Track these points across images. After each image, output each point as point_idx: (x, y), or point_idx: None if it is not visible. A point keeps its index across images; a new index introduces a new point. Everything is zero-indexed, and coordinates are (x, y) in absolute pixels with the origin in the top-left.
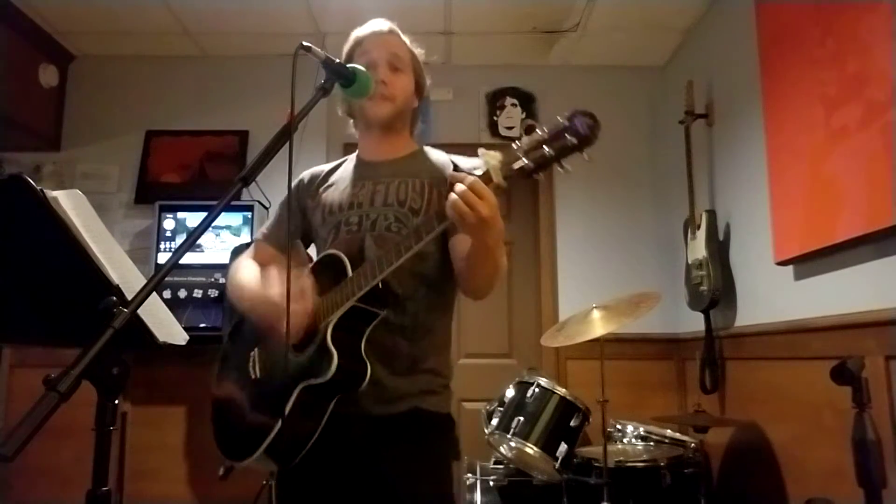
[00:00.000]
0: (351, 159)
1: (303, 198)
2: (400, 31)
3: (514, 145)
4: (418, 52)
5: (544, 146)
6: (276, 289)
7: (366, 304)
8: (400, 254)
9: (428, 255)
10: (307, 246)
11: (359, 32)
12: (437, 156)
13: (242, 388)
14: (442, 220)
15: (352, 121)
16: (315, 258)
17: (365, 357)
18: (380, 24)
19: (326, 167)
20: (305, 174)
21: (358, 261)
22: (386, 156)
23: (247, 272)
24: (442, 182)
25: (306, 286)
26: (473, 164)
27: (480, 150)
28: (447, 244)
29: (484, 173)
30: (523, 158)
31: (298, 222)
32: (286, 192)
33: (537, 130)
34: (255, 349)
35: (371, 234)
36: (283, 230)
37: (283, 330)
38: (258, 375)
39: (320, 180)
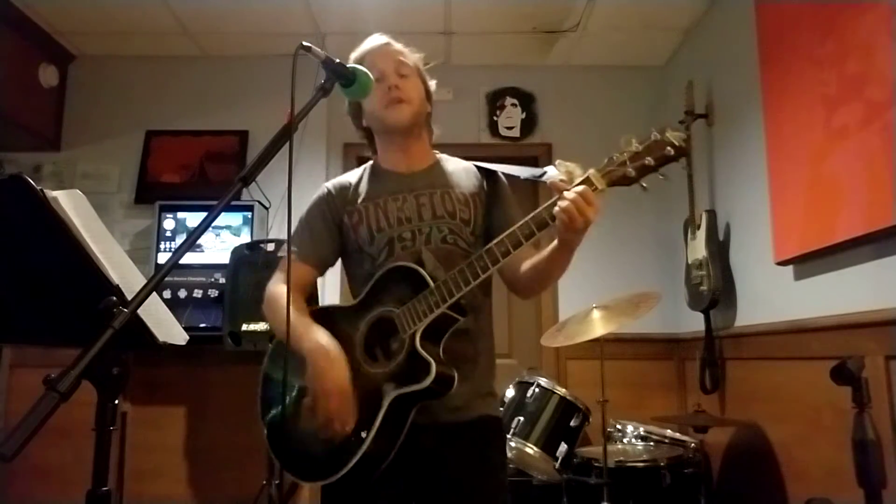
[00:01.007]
0: (371, 170)
1: (336, 214)
2: (394, 42)
3: (613, 156)
4: (418, 57)
5: (646, 157)
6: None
7: (451, 311)
8: (497, 258)
9: None
10: (336, 259)
11: (359, 51)
12: (457, 162)
13: (310, 406)
14: (542, 226)
15: (367, 142)
16: (350, 276)
17: (447, 362)
18: (377, 39)
19: (350, 178)
20: (330, 186)
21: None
22: (414, 166)
23: (300, 316)
24: (480, 190)
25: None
26: (533, 173)
27: (558, 161)
28: None
29: (585, 180)
30: (628, 166)
31: (334, 240)
32: (286, 192)
33: (634, 143)
34: None
35: (427, 248)
36: (318, 244)
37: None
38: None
39: (351, 194)
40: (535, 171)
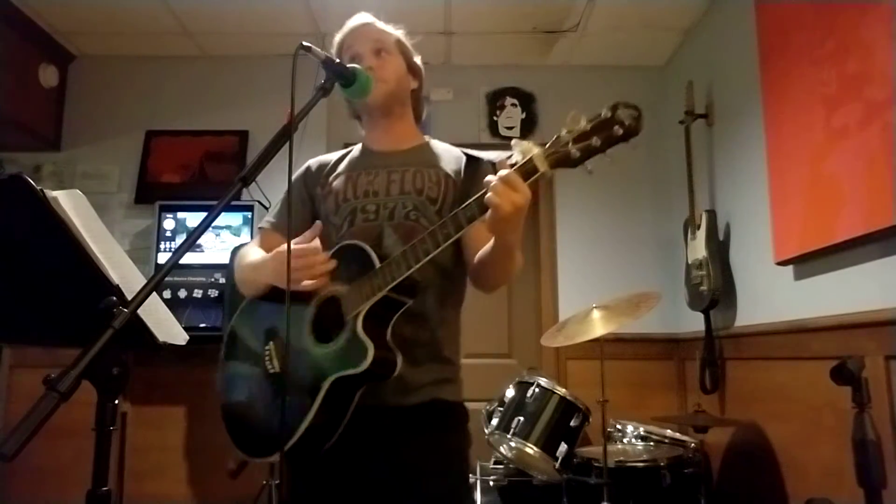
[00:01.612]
0: (356, 149)
1: (311, 186)
2: (376, 20)
3: (559, 135)
4: (400, 33)
5: (593, 136)
6: (281, 249)
7: (396, 293)
8: (438, 242)
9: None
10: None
11: (340, 34)
12: (447, 148)
13: (260, 384)
14: (484, 209)
15: (358, 123)
16: (322, 246)
17: (393, 346)
18: (357, 20)
19: (333, 156)
20: (311, 162)
21: (378, 250)
22: (395, 145)
23: (253, 254)
24: (457, 174)
25: (309, 248)
26: (499, 156)
27: (514, 141)
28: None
29: (528, 161)
30: (571, 147)
31: (308, 211)
32: (286, 192)
33: (582, 121)
34: (270, 342)
35: (389, 224)
36: (291, 217)
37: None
38: (276, 369)
39: (329, 168)
40: (503, 154)
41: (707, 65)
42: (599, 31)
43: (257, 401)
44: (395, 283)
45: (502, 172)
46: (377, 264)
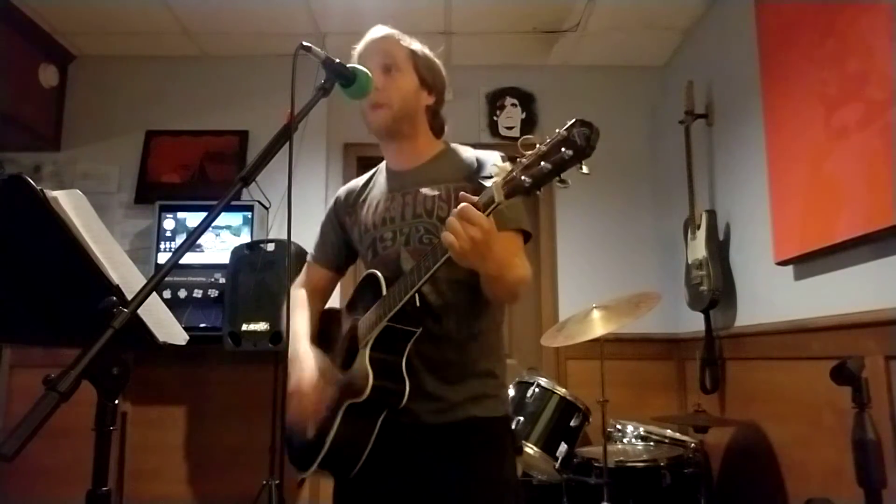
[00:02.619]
0: (381, 170)
1: (340, 215)
2: (396, 32)
3: (518, 161)
4: (419, 48)
5: (542, 161)
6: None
7: (399, 323)
8: (421, 275)
9: None
10: (354, 260)
11: (358, 46)
12: (462, 155)
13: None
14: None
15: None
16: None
17: (405, 375)
18: (374, 33)
19: (360, 181)
20: (341, 191)
21: (396, 277)
22: (410, 163)
23: (300, 320)
24: (465, 184)
25: (305, 383)
26: (490, 171)
27: (496, 162)
28: None
29: (486, 193)
30: (522, 176)
31: (341, 240)
32: (286, 192)
33: (537, 144)
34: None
35: (406, 249)
36: (330, 249)
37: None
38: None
39: (355, 196)
40: (493, 170)
41: (707, 65)
42: (599, 31)
43: (301, 420)
44: (390, 315)
45: (457, 209)
46: (384, 292)
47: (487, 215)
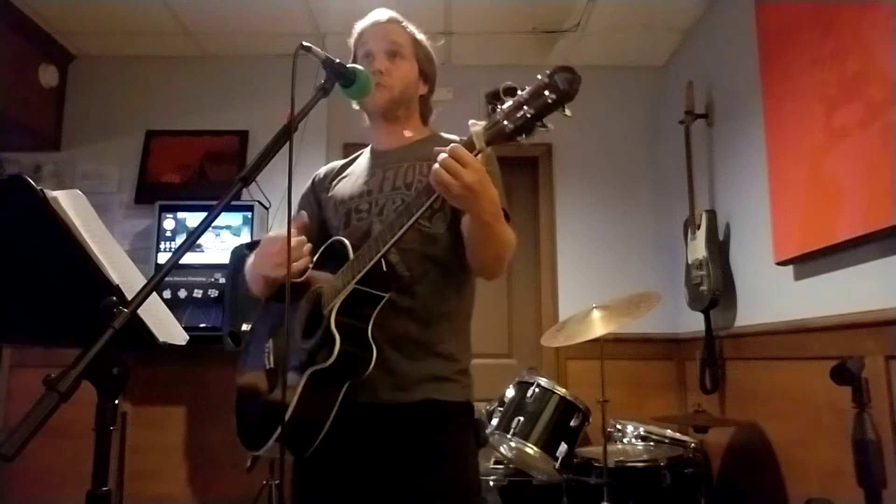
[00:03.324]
0: (365, 152)
1: (318, 192)
2: (400, 17)
3: (500, 106)
4: (421, 37)
5: (524, 106)
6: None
7: (367, 286)
8: (394, 232)
9: (438, 237)
10: (327, 239)
11: (360, 25)
12: (447, 137)
13: (258, 379)
14: (430, 193)
15: (366, 116)
16: None
17: (372, 342)
18: (379, 14)
19: (342, 161)
20: (322, 169)
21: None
22: (396, 143)
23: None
24: None
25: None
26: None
27: (471, 122)
28: (459, 225)
29: (466, 140)
30: (504, 121)
31: (317, 217)
32: (286, 192)
33: (518, 91)
34: (270, 340)
35: (378, 219)
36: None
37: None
38: (272, 365)
39: (335, 173)
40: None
41: (707, 65)
42: (599, 31)
43: (256, 396)
44: (359, 277)
45: (443, 153)
46: (351, 257)
47: None
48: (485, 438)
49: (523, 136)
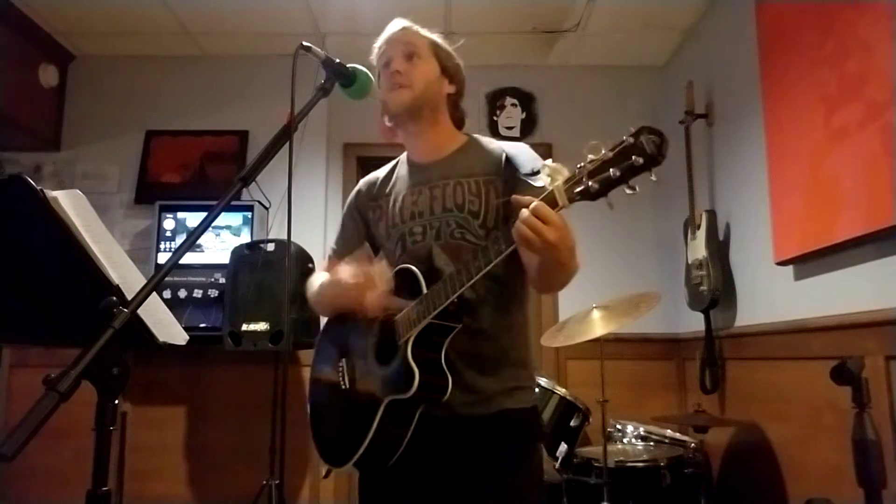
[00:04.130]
0: (402, 162)
1: (363, 209)
2: (415, 25)
3: (579, 165)
4: (439, 39)
5: (610, 168)
6: (343, 272)
7: (441, 320)
8: (471, 275)
9: None
10: (375, 254)
11: (378, 40)
12: (487, 147)
13: (334, 396)
14: (510, 243)
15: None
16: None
17: (446, 370)
18: (393, 26)
19: (380, 174)
20: (361, 184)
21: (429, 272)
22: (434, 155)
23: (318, 279)
24: (495, 177)
25: (376, 272)
26: (533, 168)
27: (547, 163)
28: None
29: (548, 195)
30: (587, 181)
31: (362, 234)
32: (286, 192)
33: (602, 150)
34: (343, 359)
35: (437, 243)
36: (350, 240)
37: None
38: (347, 386)
39: (378, 189)
40: (535, 166)
41: (707, 65)
42: (599, 31)
43: (332, 414)
44: (435, 313)
45: (526, 212)
46: (424, 290)
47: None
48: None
49: (607, 196)
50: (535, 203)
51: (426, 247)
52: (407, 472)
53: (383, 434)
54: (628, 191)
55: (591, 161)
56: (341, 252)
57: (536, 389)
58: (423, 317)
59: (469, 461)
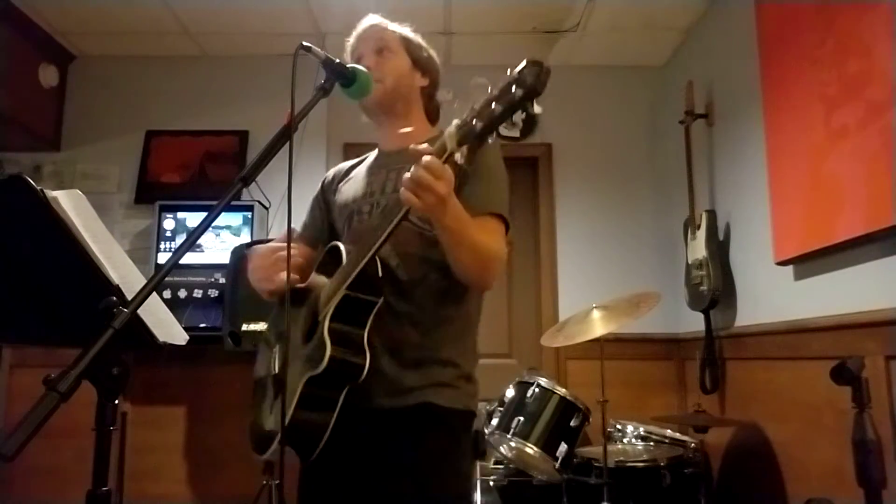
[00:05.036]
0: (372, 154)
1: (326, 194)
2: (385, 20)
3: (473, 105)
4: (407, 30)
5: (493, 103)
6: (258, 249)
7: (358, 291)
8: (377, 238)
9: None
10: (329, 236)
11: (349, 40)
12: None
13: (266, 385)
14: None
15: (369, 118)
16: None
17: (367, 348)
18: (365, 22)
19: (350, 162)
20: (330, 171)
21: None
22: (400, 144)
23: None
24: (454, 164)
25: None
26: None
27: (454, 122)
28: None
29: (439, 145)
30: (474, 120)
31: (325, 219)
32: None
33: (489, 88)
34: (277, 345)
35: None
36: (312, 227)
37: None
38: (276, 371)
39: (342, 175)
40: None
41: (707, 65)
42: (599, 31)
43: (264, 400)
44: (348, 283)
45: (421, 162)
46: (344, 262)
47: (444, 163)
48: (483, 450)
49: (492, 134)
50: (426, 159)
51: (370, 225)
52: (335, 465)
53: (303, 415)
54: (505, 131)
55: (479, 102)
56: (303, 235)
57: (537, 390)
58: (338, 288)
59: (389, 453)
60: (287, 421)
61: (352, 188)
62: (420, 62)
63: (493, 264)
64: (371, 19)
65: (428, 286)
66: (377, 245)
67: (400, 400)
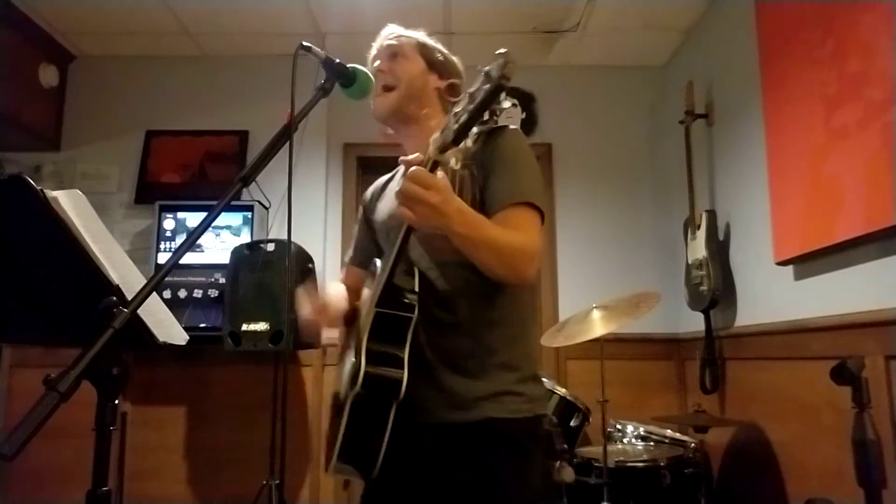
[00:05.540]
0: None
1: (367, 213)
2: (402, 28)
3: (456, 110)
4: (422, 35)
5: (467, 104)
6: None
7: (390, 309)
8: (389, 260)
9: None
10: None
11: (370, 54)
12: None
13: (336, 401)
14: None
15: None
16: None
17: (405, 365)
18: (384, 31)
19: (383, 179)
20: (368, 190)
21: (405, 266)
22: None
23: (331, 288)
24: (471, 162)
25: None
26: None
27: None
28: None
29: (427, 155)
30: (453, 122)
31: (372, 239)
32: (286, 192)
33: (468, 91)
34: (344, 364)
35: (413, 235)
36: (362, 249)
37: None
38: (340, 390)
39: (378, 192)
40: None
41: (707, 65)
42: (599, 31)
43: (333, 416)
44: (375, 303)
45: (403, 180)
46: (382, 283)
47: (431, 171)
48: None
49: (466, 135)
50: (411, 171)
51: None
52: (396, 482)
53: (355, 436)
54: (476, 129)
55: (459, 104)
56: (353, 260)
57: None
58: (371, 308)
59: (453, 472)
60: (339, 441)
61: (385, 206)
62: (435, 64)
63: (518, 259)
64: (387, 29)
65: (470, 292)
66: (391, 263)
67: (463, 414)
